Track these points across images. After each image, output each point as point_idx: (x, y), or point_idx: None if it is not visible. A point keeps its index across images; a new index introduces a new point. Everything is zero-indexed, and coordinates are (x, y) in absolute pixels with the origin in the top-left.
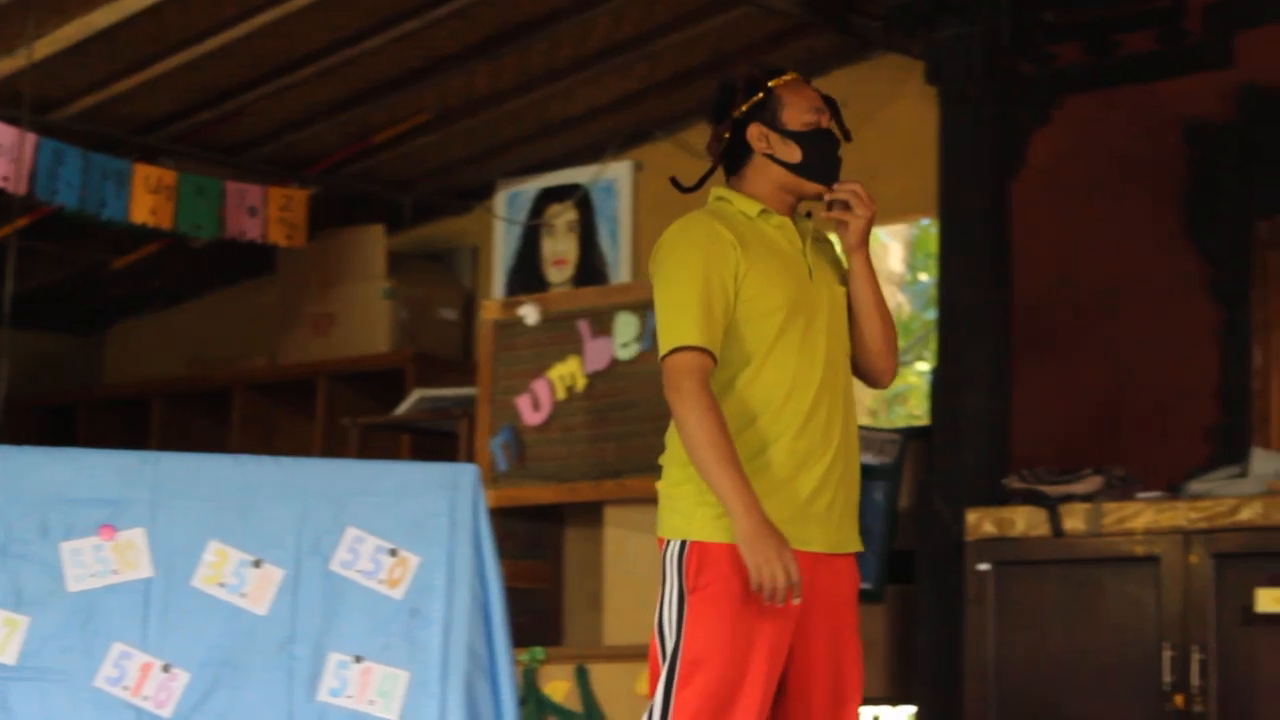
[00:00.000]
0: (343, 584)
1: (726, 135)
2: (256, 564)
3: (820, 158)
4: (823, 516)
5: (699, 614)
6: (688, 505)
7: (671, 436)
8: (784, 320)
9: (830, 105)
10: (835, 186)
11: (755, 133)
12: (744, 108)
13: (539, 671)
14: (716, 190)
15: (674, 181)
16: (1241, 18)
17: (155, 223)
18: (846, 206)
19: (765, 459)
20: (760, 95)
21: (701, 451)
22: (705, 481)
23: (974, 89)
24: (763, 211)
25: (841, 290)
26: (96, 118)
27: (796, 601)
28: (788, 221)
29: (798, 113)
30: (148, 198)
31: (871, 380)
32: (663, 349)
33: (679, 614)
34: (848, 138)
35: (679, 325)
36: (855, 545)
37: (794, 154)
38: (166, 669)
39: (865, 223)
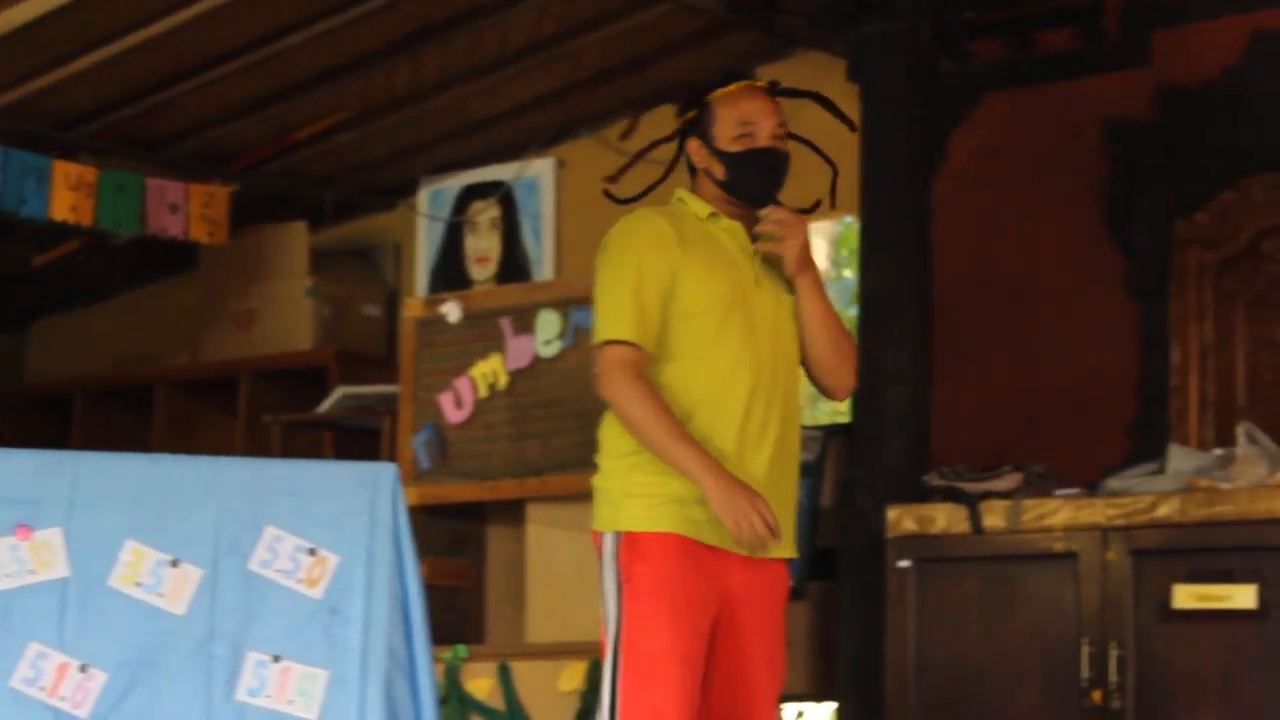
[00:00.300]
0: (261, 583)
1: (677, 144)
2: (174, 563)
3: (742, 178)
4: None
5: (634, 603)
6: (617, 497)
7: (603, 430)
8: (718, 322)
9: (822, 101)
10: (763, 215)
11: (692, 146)
12: (682, 120)
13: (461, 669)
14: (678, 191)
15: (608, 194)
16: (1157, 17)
17: (76, 220)
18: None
19: (714, 449)
20: (695, 111)
21: (650, 432)
22: (663, 460)
23: (895, 87)
24: (712, 214)
25: (789, 297)
26: (16, 114)
27: (776, 542)
28: (738, 226)
29: (726, 129)
30: (68, 194)
31: (826, 394)
32: (596, 341)
33: (618, 605)
34: (851, 127)
35: (612, 319)
36: (787, 551)
37: (720, 172)
38: (84, 669)
39: (798, 248)
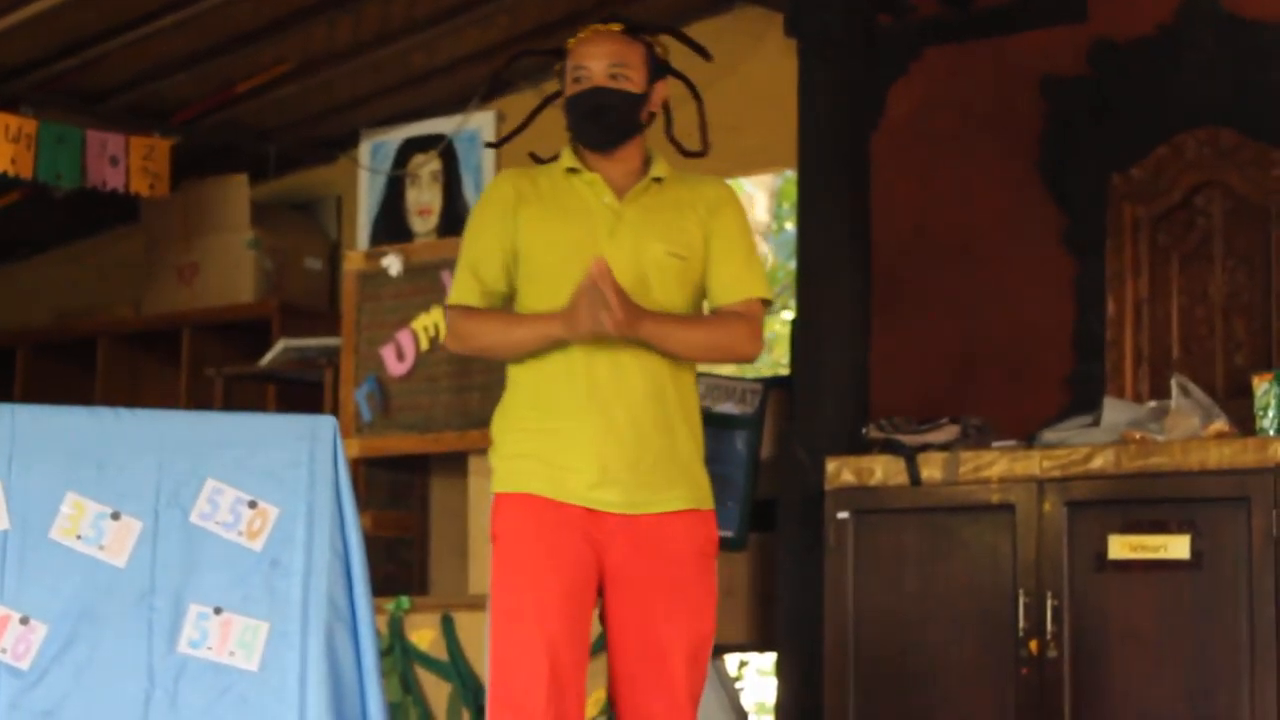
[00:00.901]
0: (202, 536)
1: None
2: (115, 516)
3: (573, 122)
4: (612, 475)
5: (496, 561)
6: (491, 461)
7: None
8: (556, 275)
9: (676, 34)
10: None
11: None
12: (555, 72)
13: (404, 620)
14: (564, 146)
15: (532, 155)
16: None
17: (15, 172)
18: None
19: (543, 413)
20: (560, 63)
21: (501, 340)
22: (524, 350)
23: (832, 42)
24: (570, 169)
25: (660, 248)
26: None
27: (612, 316)
28: (597, 178)
29: (569, 77)
30: (7, 146)
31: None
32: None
33: (491, 563)
34: (706, 56)
35: (454, 286)
36: (673, 504)
37: (566, 120)
38: (24, 621)
39: (604, 320)
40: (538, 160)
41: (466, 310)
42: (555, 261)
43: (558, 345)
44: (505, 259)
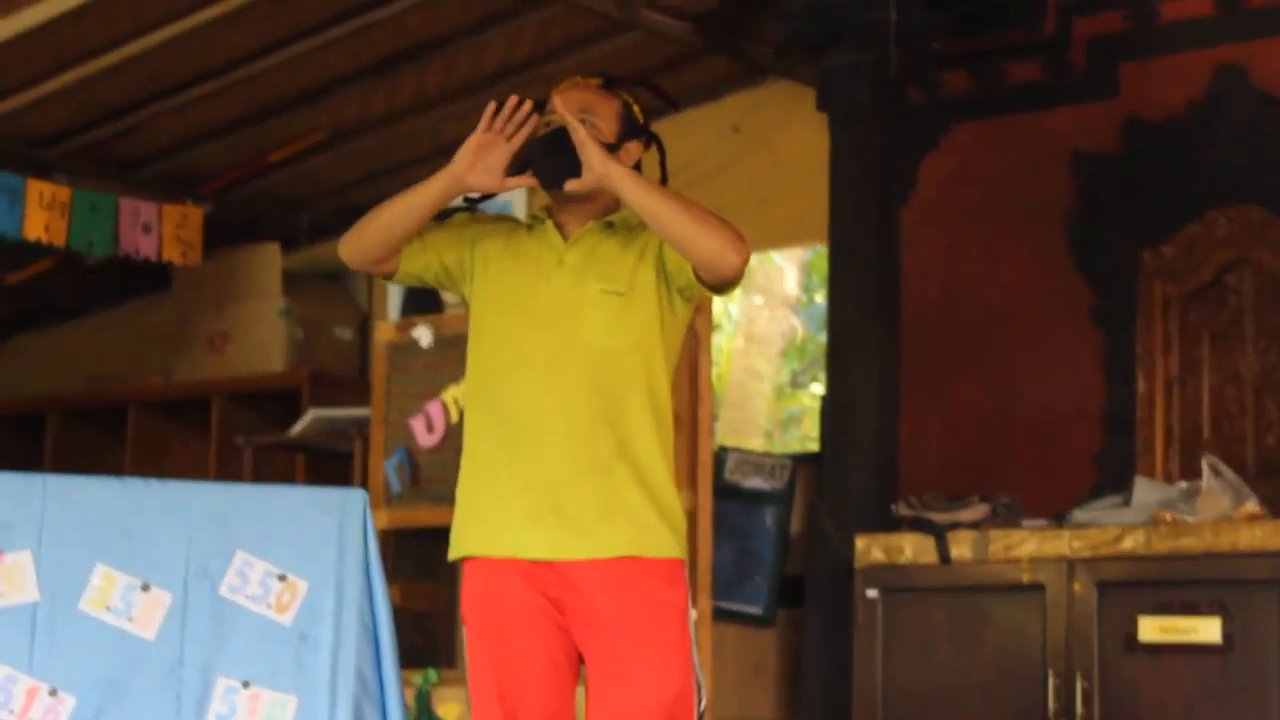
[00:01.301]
0: (231, 608)
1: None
2: (144, 588)
3: (532, 162)
4: (536, 521)
5: (467, 642)
6: None
7: None
8: (490, 316)
9: (648, 85)
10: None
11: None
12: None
13: (432, 693)
14: None
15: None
16: (1125, 50)
17: (49, 239)
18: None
19: (476, 454)
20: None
21: (385, 207)
22: (412, 205)
23: (863, 116)
24: (534, 217)
25: (595, 286)
26: None
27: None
28: (549, 225)
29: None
30: (41, 214)
31: (721, 275)
32: None
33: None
34: (675, 107)
35: None
36: (597, 551)
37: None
38: (53, 693)
39: (583, 156)
40: (470, 205)
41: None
42: (494, 299)
43: (446, 193)
44: (445, 248)
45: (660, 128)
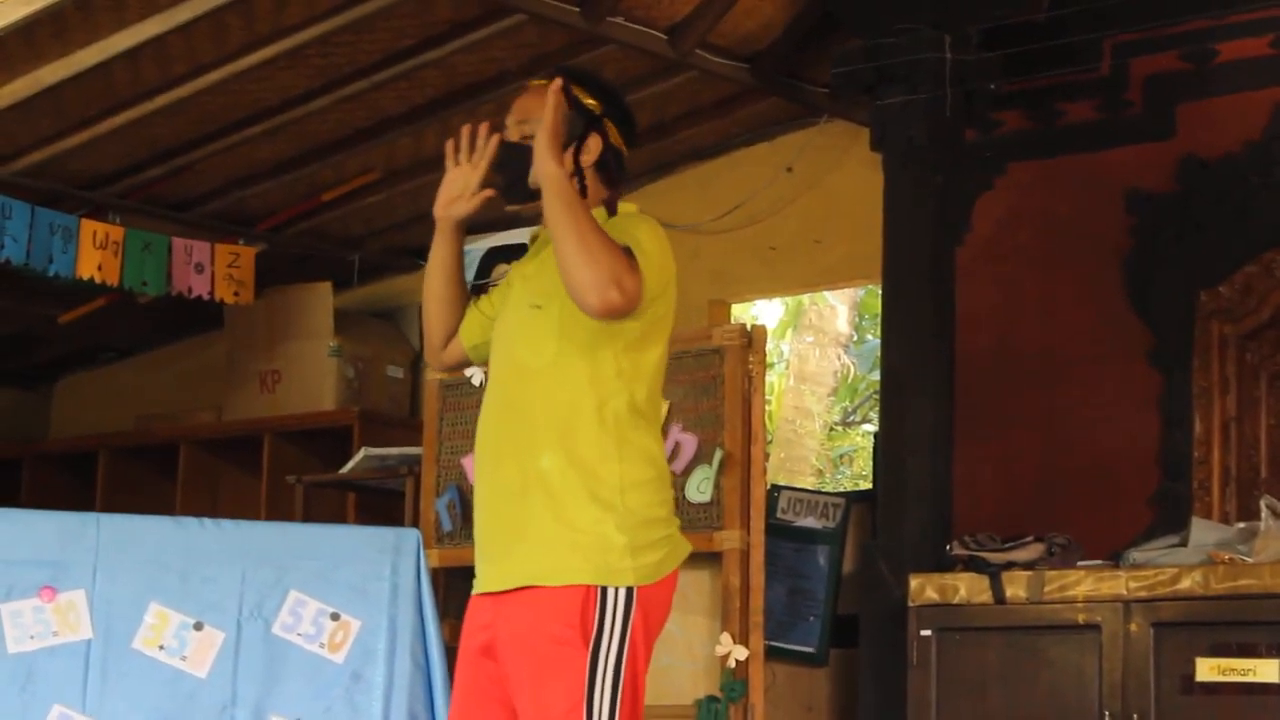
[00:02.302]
0: (284, 647)
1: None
2: (198, 626)
3: (493, 182)
4: (485, 550)
5: None
6: None
7: None
8: (487, 342)
9: (584, 79)
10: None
11: None
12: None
13: None
14: None
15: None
16: (1182, 90)
17: (102, 278)
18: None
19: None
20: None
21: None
22: (431, 276)
23: (917, 156)
24: (533, 238)
25: (525, 302)
26: (44, 173)
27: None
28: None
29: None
30: (95, 253)
31: (583, 310)
32: None
33: None
34: (623, 105)
35: None
36: (503, 583)
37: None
38: None
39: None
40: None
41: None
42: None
43: (441, 239)
44: (490, 305)
45: (713, 169)
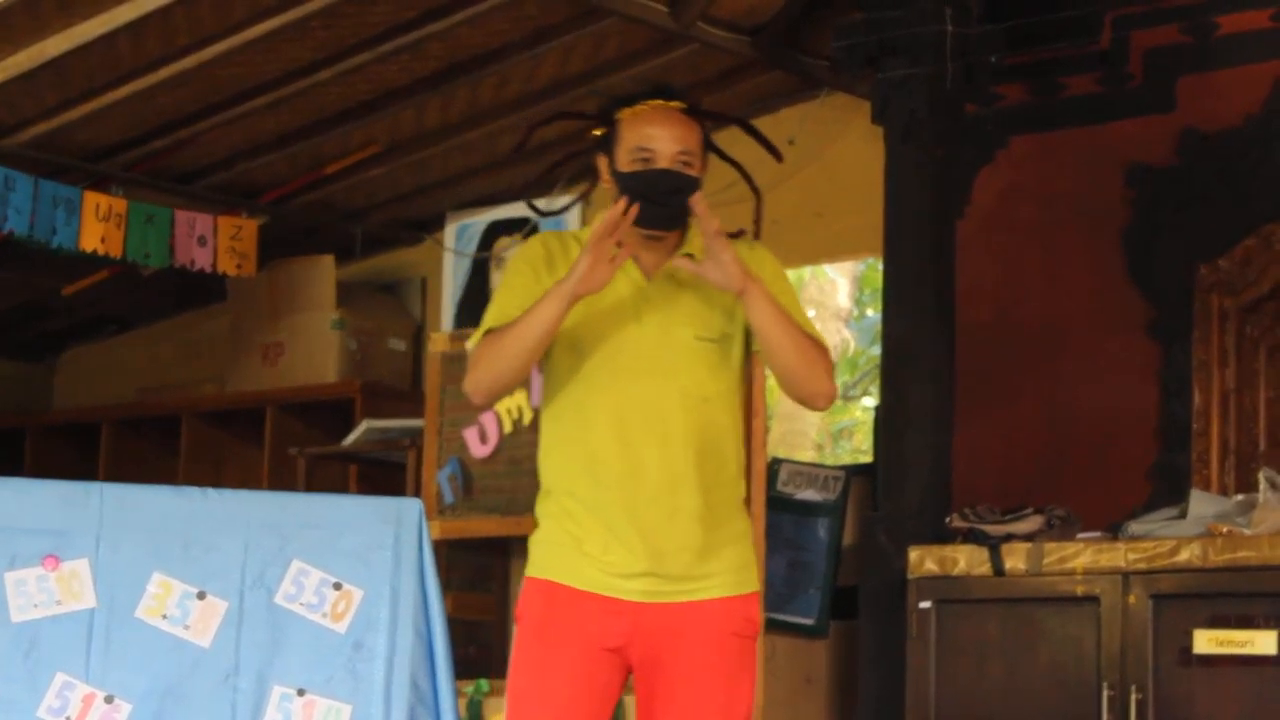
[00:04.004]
0: (287, 617)
1: (592, 159)
2: (200, 596)
3: (636, 202)
4: (647, 567)
5: (515, 645)
6: (529, 545)
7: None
8: (575, 353)
9: (746, 128)
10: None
11: (601, 164)
12: (590, 136)
13: (484, 704)
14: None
15: (530, 205)
16: (1182, 63)
17: (105, 251)
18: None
19: (581, 501)
20: (604, 128)
21: (515, 333)
22: (536, 333)
23: (919, 129)
24: (574, 238)
25: (688, 332)
26: (47, 145)
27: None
28: (629, 261)
29: (625, 150)
30: (97, 225)
31: (804, 404)
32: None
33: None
34: (778, 157)
35: (475, 335)
36: (715, 591)
37: (616, 193)
38: (109, 700)
39: (723, 269)
40: (537, 211)
41: (480, 344)
42: (577, 340)
43: (572, 303)
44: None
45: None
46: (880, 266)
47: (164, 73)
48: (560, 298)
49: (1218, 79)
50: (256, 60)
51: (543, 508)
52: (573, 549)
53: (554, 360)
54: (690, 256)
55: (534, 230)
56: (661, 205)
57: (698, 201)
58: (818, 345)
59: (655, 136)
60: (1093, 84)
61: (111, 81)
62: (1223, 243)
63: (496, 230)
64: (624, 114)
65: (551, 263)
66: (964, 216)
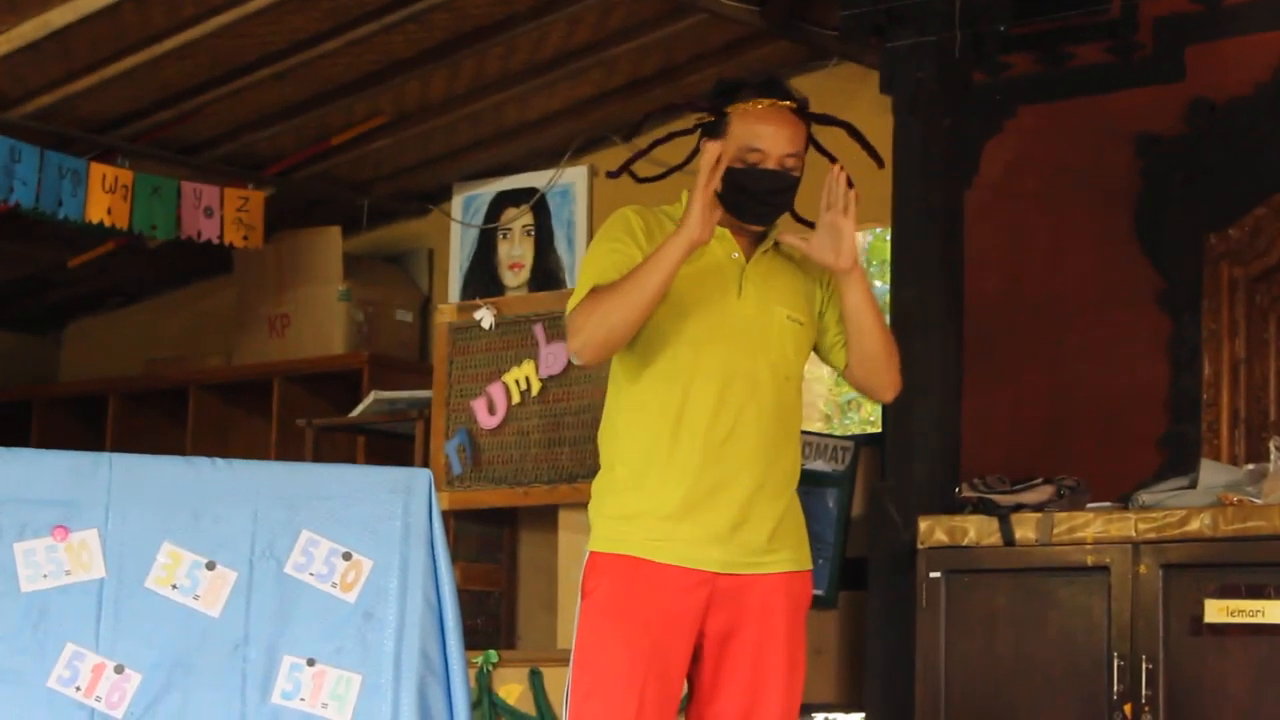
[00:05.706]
0: (296, 587)
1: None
2: (210, 566)
3: (738, 196)
4: (728, 537)
5: (586, 620)
6: (592, 519)
7: (601, 441)
8: (674, 326)
9: (852, 132)
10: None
11: (707, 148)
12: (698, 120)
13: (492, 674)
14: (685, 190)
15: (631, 173)
16: (1192, 32)
17: (111, 222)
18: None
19: (663, 469)
20: (713, 116)
21: (624, 289)
22: (648, 293)
23: (926, 99)
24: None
25: (782, 311)
26: (53, 116)
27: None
28: (725, 233)
29: (735, 145)
30: (104, 197)
31: (874, 394)
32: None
33: (576, 621)
34: (879, 164)
35: (575, 296)
36: (782, 565)
37: (720, 184)
38: (119, 670)
39: (841, 245)
40: (636, 179)
41: (585, 300)
42: (679, 313)
43: (689, 251)
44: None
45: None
46: (888, 237)
47: (169, 44)
48: (677, 246)
49: (1227, 48)
50: (262, 31)
51: (606, 481)
52: (649, 522)
53: (649, 322)
54: (777, 246)
55: (542, 202)
56: (764, 204)
57: (839, 177)
58: (893, 339)
59: (765, 136)
60: (1102, 53)
61: (117, 52)
62: (1233, 212)
63: (503, 201)
64: (736, 109)
65: (649, 232)
66: (972, 186)
